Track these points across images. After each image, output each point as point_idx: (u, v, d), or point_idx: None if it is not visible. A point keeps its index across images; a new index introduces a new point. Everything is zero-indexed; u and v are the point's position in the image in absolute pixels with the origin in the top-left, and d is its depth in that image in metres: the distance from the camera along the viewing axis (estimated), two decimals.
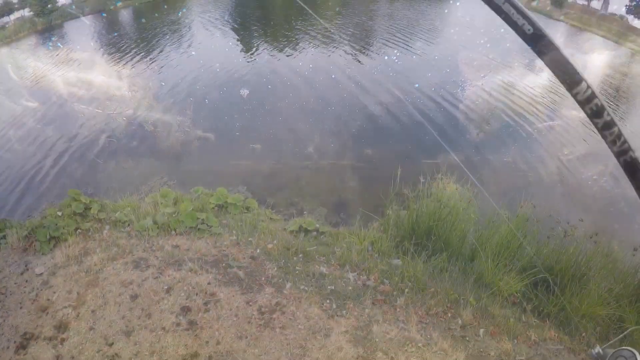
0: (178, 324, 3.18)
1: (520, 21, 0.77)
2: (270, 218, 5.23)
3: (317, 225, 4.73)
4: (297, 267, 3.88)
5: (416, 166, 7.31)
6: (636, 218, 6.86)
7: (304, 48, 15.14)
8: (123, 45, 15.35)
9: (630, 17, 21.45)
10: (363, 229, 4.67)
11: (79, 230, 4.18)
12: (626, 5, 21.85)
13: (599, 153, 8.25)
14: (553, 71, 0.81)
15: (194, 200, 4.93)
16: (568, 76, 0.81)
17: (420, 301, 3.57)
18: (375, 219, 5.07)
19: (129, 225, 4.38)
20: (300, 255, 4.06)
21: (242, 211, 5.02)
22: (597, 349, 1.47)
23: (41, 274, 3.64)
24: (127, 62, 13.52)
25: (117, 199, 5.15)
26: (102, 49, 15.06)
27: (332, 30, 16.42)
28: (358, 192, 7.32)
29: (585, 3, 23.18)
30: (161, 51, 14.79)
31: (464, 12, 20.28)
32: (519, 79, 12.85)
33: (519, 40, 0.79)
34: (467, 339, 3.27)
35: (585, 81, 0.81)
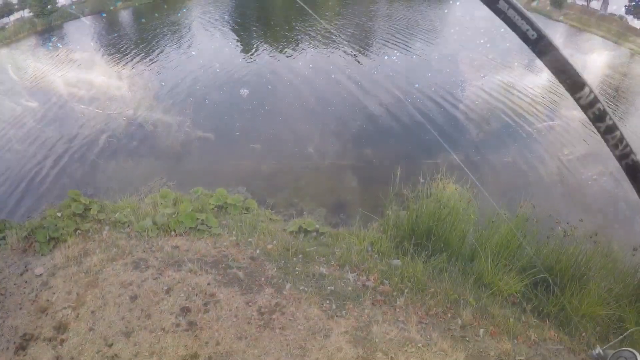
0: (178, 325, 3.17)
1: (525, 26, 0.78)
2: (270, 219, 5.23)
3: (317, 226, 4.73)
4: (296, 268, 3.88)
5: (416, 166, 7.32)
6: (636, 218, 6.87)
7: (303, 48, 15.14)
8: (123, 46, 15.35)
9: (629, 18, 21.43)
10: (363, 230, 4.67)
11: (78, 231, 4.17)
12: (625, 6, 21.83)
13: (598, 153, 8.26)
14: (556, 76, 0.82)
15: (193, 200, 4.92)
16: (571, 81, 0.82)
17: (420, 301, 3.57)
18: (374, 219, 5.07)
19: (128, 226, 4.38)
20: (300, 256, 4.06)
21: (241, 212, 5.02)
22: (598, 350, 1.48)
23: (41, 274, 3.63)
24: (127, 62, 13.52)
25: (116, 200, 5.16)
26: (102, 50, 15.05)
27: (332, 31, 16.42)
28: (358, 192, 7.32)
29: (585, 3, 23.16)
30: (161, 51, 14.79)
31: (464, 12, 20.28)
32: (519, 79, 12.85)
33: (519, 40, 0.79)
34: (467, 339, 3.27)
35: (588, 86, 0.82)
